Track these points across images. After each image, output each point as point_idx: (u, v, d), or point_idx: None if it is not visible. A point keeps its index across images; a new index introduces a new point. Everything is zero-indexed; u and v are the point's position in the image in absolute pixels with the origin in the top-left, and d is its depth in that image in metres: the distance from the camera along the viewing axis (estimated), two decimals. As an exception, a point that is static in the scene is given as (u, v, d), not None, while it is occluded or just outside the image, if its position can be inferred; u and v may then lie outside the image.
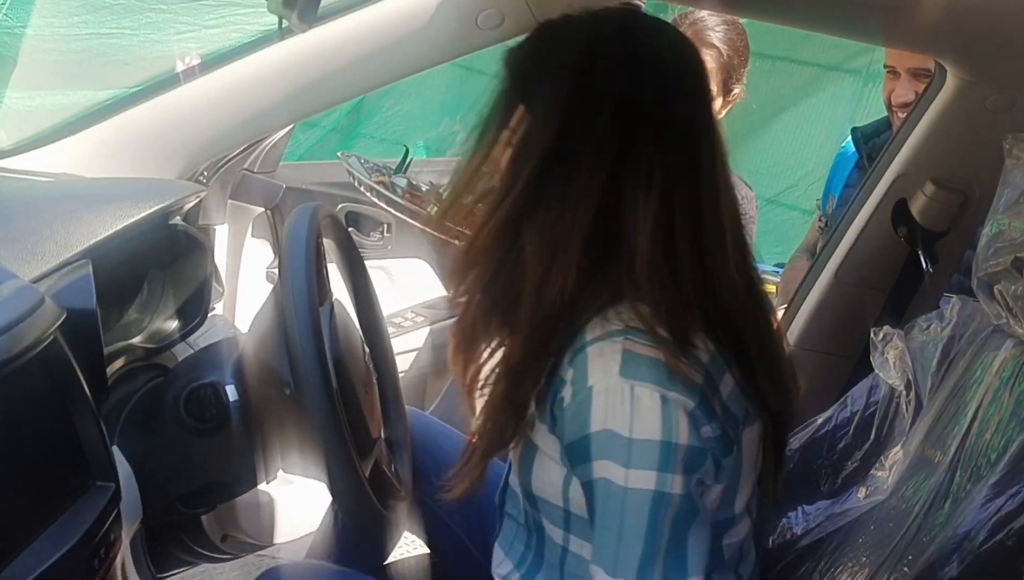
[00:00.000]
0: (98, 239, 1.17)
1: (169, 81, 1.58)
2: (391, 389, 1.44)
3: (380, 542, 1.43)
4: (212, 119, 1.60)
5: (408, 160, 1.41)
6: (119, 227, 1.21)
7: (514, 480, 1.09)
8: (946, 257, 1.71)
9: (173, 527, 1.59)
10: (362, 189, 1.33)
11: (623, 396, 0.89)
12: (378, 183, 1.34)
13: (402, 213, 1.30)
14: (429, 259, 2.66)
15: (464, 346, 1.04)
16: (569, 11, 1.01)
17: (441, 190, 1.34)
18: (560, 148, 0.94)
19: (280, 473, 1.33)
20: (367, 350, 1.36)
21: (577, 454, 0.93)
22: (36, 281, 1.08)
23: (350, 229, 2.43)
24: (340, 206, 2.37)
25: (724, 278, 0.97)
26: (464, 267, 1.00)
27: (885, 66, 1.97)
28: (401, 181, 1.38)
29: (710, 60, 1.79)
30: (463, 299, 1.02)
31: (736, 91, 1.90)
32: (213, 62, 1.59)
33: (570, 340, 0.94)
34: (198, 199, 1.43)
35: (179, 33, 3.36)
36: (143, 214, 1.25)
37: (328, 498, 1.44)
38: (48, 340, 0.95)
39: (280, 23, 1.02)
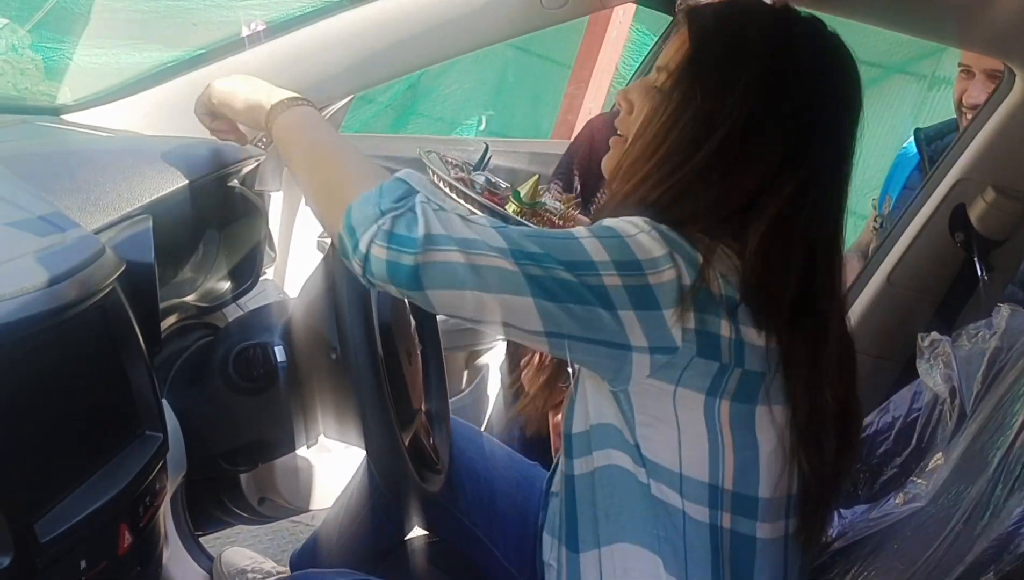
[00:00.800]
0: (159, 195, 1.20)
1: (234, 45, 1.60)
2: (435, 362, 1.45)
3: (411, 512, 1.45)
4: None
5: (487, 157, 1.43)
6: (180, 185, 1.23)
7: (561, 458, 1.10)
8: (1002, 266, 1.68)
9: (212, 486, 1.62)
10: (441, 185, 1.34)
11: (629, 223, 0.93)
12: (458, 180, 1.35)
13: (480, 210, 1.32)
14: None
15: None
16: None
17: (522, 193, 1.35)
18: (749, 125, 0.97)
19: (319, 440, 1.36)
20: (413, 321, 1.37)
21: None
22: (98, 232, 1.10)
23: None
24: (393, 179, 2.39)
25: (826, 283, 1.01)
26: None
27: (960, 64, 1.92)
28: (480, 178, 1.39)
29: None
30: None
31: None
32: (278, 28, 1.60)
33: None
34: (256, 164, 1.45)
35: (245, 0, 3.40)
36: (204, 174, 1.28)
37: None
38: (107, 290, 0.98)
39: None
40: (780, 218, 0.97)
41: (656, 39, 2.75)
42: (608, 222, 0.93)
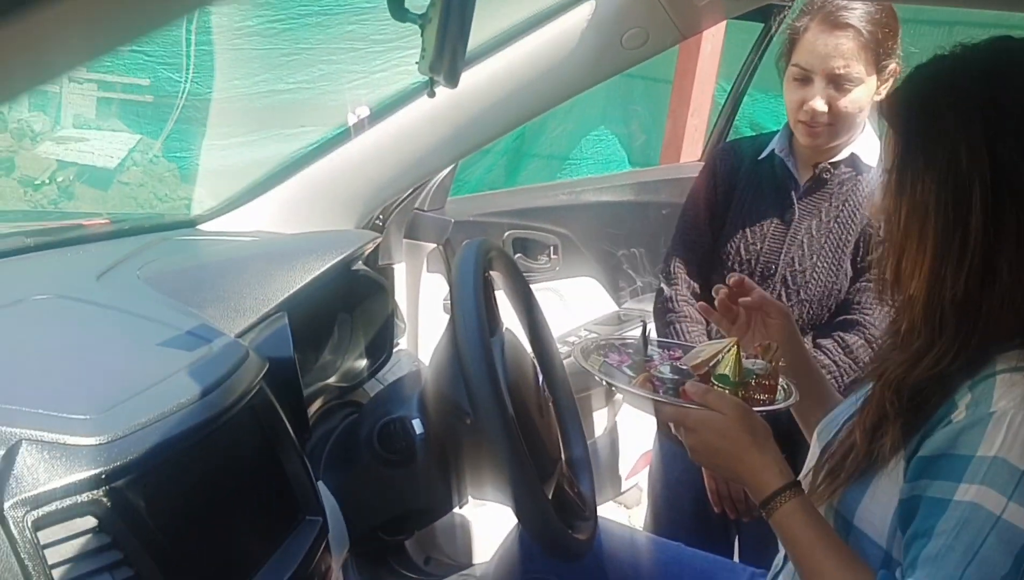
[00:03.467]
0: (291, 292, 1.29)
1: (342, 136, 1.70)
2: (567, 410, 1.48)
3: (567, 562, 1.47)
4: (381, 168, 1.71)
5: (648, 335, 1.29)
6: (308, 279, 1.32)
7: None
8: None
9: (380, 552, 1.70)
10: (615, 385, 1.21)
11: None
12: (645, 382, 1.19)
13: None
14: (597, 276, 2.69)
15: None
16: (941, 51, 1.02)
17: (729, 375, 1.17)
18: (998, 172, 0.93)
19: (470, 498, 1.40)
20: (540, 374, 1.41)
21: (940, 470, 0.93)
22: (240, 335, 1.20)
23: (518, 255, 2.51)
24: (507, 233, 2.45)
25: None
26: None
27: None
28: (665, 370, 1.20)
29: (848, 41, 1.64)
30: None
31: (892, 66, 1.70)
32: (379, 112, 1.69)
33: (977, 366, 0.95)
34: (375, 245, 1.53)
35: (351, 82, 3.57)
36: (328, 265, 1.36)
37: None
38: (255, 390, 1.06)
39: (430, 83, 1.09)
40: None
41: (750, 50, 2.72)
42: (992, 451, 0.89)
